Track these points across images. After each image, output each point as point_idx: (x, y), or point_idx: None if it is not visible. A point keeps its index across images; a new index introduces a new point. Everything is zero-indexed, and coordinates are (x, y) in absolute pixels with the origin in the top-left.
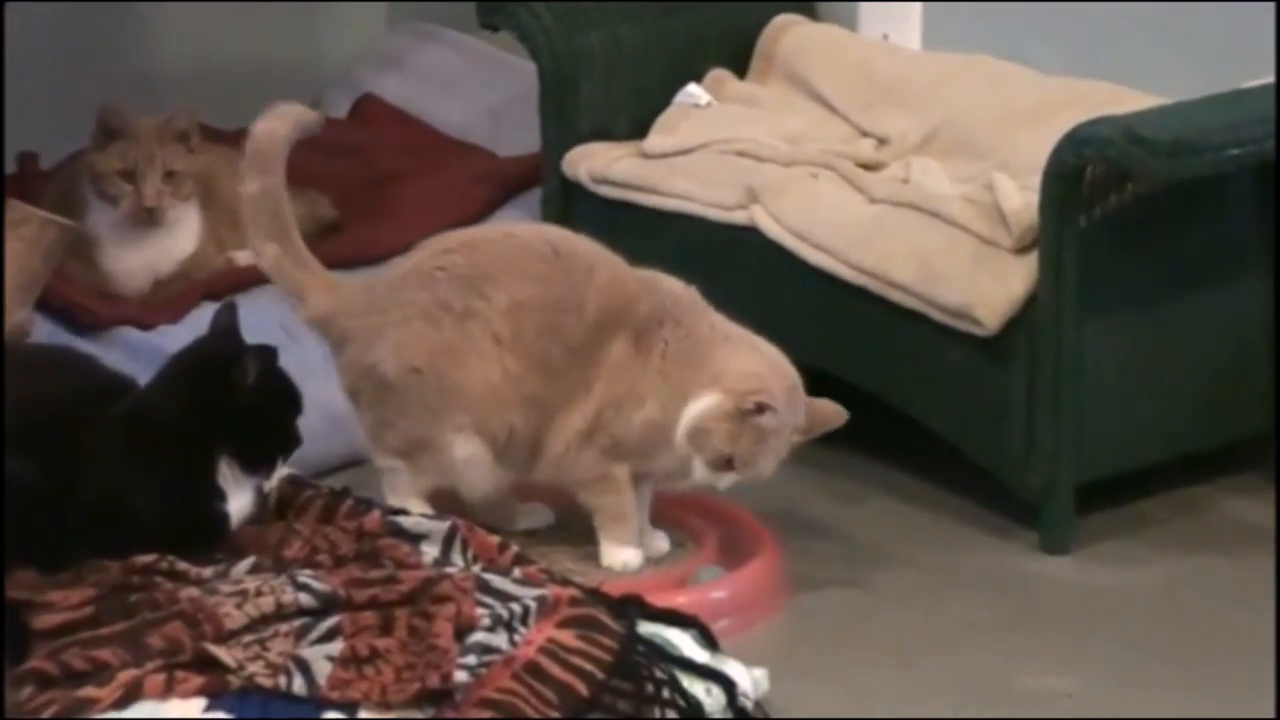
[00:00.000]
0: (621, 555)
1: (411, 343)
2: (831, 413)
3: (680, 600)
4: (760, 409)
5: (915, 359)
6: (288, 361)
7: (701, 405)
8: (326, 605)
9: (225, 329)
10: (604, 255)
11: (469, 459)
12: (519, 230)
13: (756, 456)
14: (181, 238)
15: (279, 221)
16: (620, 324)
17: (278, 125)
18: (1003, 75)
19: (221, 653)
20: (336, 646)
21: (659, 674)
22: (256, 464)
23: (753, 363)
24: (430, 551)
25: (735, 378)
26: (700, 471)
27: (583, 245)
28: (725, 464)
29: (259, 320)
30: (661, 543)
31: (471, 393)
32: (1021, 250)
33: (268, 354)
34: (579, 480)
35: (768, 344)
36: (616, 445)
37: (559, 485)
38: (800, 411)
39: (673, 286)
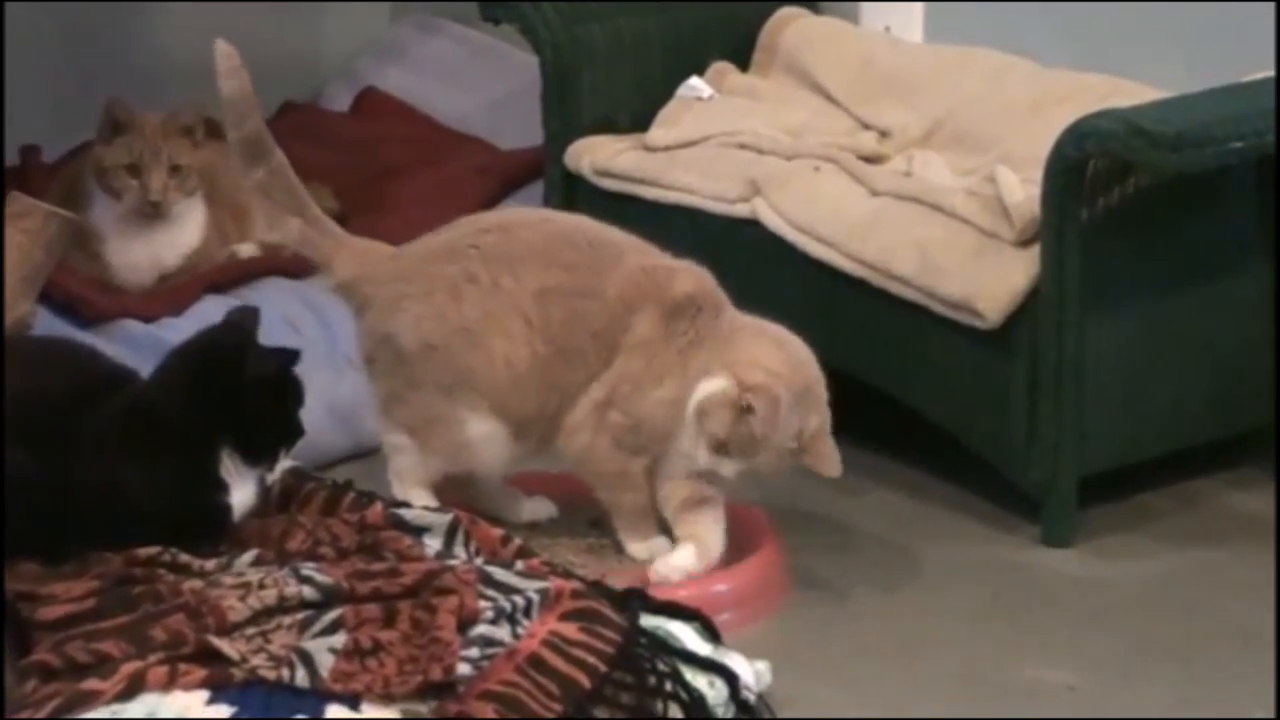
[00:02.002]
0: (649, 546)
1: (431, 318)
2: (828, 461)
3: (682, 594)
4: (749, 409)
5: (917, 352)
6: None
7: (710, 386)
8: (329, 598)
9: (236, 326)
10: (640, 247)
11: (485, 436)
12: (557, 217)
13: (751, 448)
14: (186, 232)
15: (294, 196)
16: (650, 300)
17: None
18: (1005, 68)
19: (224, 645)
20: (339, 639)
21: (661, 666)
22: (259, 456)
23: (772, 358)
24: (433, 544)
25: (749, 368)
26: (702, 454)
27: (619, 238)
28: (721, 448)
29: (264, 313)
30: (663, 545)
31: (488, 376)
32: (1023, 243)
33: (289, 355)
34: (596, 472)
35: (795, 340)
36: (632, 429)
37: (576, 468)
38: (813, 413)
39: (708, 281)
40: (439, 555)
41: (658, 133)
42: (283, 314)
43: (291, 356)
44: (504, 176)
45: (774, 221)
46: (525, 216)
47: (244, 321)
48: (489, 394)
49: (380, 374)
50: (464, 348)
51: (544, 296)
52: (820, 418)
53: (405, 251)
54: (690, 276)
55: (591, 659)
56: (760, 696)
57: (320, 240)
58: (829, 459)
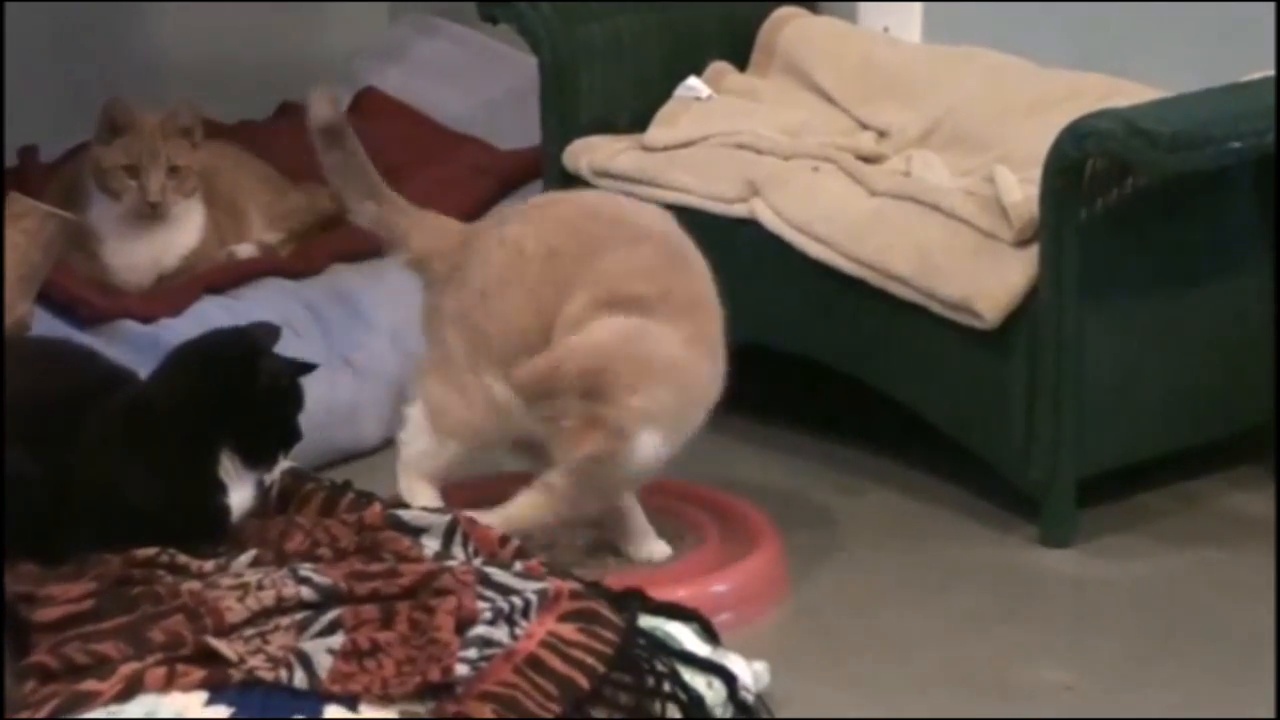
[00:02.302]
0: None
1: (467, 283)
2: (574, 442)
3: (681, 594)
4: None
5: (915, 352)
6: (290, 355)
7: None
8: (327, 599)
9: (246, 334)
10: (671, 239)
11: (508, 402)
12: (611, 199)
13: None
14: (185, 232)
15: (367, 180)
16: (590, 285)
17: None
18: (1003, 68)
19: (222, 646)
20: (337, 640)
21: (660, 667)
22: (258, 458)
23: (615, 338)
24: (431, 545)
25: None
26: None
27: (658, 228)
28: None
29: (262, 314)
30: (662, 549)
31: (502, 339)
32: (1022, 243)
33: (304, 367)
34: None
35: (669, 349)
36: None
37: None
38: (607, 402)
39: (700, 295)
40: (437, 556)
41: (656, 133)
42: (280, 315)
43: (306, 369)
44: (502, 176)
45: (772, 221)
46: (584, 195)
47: (259, 334)
48: (504, 359)
49: (428, 342)
50: (483, 310)
51: (551, 259)
52: (605, 409)
53: (475, 227)
54: (666, 281)
55: (590, 660)
56: (759, 697)
57: (395, 218)
58: (574, 441)
